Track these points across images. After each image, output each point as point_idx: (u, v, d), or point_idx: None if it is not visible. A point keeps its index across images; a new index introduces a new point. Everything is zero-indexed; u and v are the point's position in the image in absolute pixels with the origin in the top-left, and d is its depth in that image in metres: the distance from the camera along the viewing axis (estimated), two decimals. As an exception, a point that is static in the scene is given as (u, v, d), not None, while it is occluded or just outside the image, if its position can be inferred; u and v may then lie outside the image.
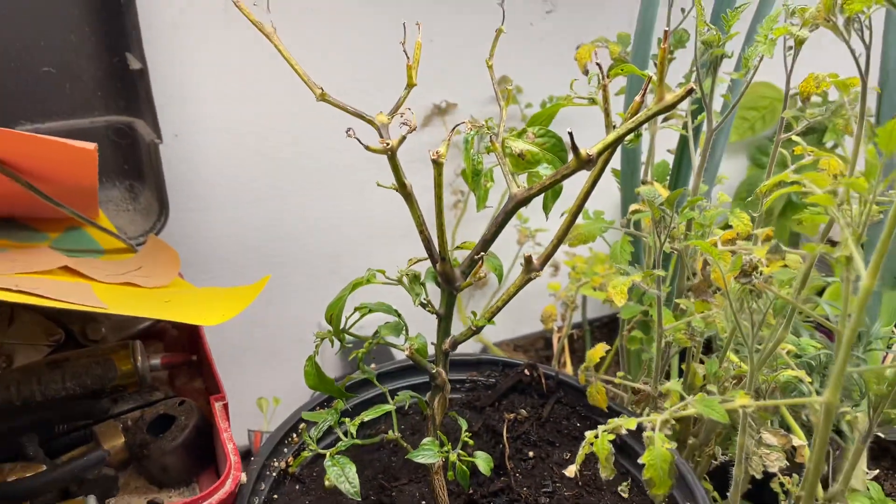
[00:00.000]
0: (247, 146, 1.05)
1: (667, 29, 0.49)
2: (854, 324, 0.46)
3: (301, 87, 1.04)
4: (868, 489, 0.92)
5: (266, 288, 1.16)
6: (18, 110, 0.90)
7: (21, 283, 0.59)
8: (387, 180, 0.55)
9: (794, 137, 0.68)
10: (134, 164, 0.96)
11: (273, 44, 0.58)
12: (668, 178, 0.75)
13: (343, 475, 0.54)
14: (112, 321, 0.85)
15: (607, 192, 0.89)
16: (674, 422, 0.78)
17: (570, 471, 0.55)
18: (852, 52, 0.54)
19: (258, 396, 1.17)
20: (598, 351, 0.69)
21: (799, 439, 0.69)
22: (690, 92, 0.49)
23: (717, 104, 0.79)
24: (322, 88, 0.59)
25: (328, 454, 0.56)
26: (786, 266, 0.54)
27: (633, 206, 0.68)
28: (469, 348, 1.31)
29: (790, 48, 0.62)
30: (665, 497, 0.50)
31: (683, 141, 0.74)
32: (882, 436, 1.04)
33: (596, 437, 0.51)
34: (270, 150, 1.06)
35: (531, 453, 0.73)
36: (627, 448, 0.70)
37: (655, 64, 0.55)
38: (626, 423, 0.50)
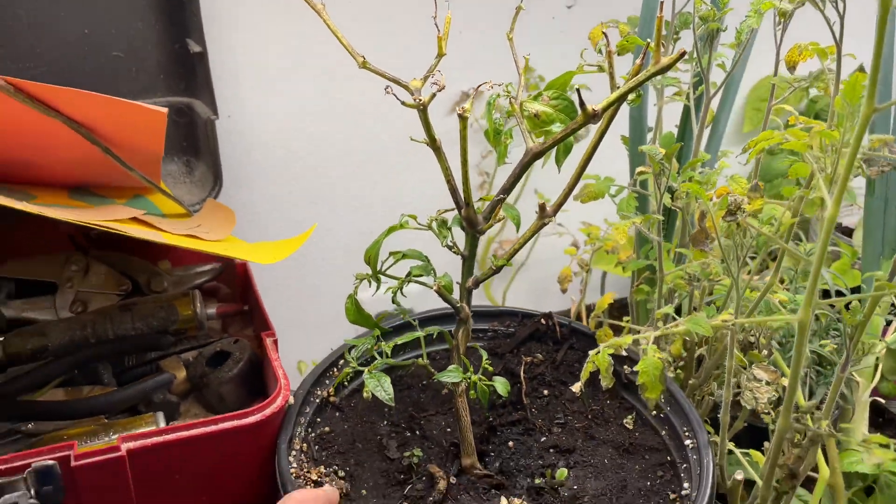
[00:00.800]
0: (294, 128, 1.14)
1: (662, 1, 0.57)
2: (821, 247, 0.53)
3: (345, 75, 1.14)
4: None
5: (305, 260, 1.26)
6: (90, 90, 1.00)
7: (103, 223, 0.69)
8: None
9: (787, 107, 0.75)
10: (191, 142, 1.06)
11: (322, 18, 0.67)
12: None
13: (379, 385, 0.63)
14: (173, 277, 0.95)
15: (619, 170, 0.96)
16: (679, 370, 0.85)
17: (576, 387, 0.63)
18: (827, 21, 0.62)
19: (297, 361, 1.26)
20: (607, 298, 0.77)
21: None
22: (682, 55, 0.58)
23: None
24: (364, 57, 0.68)
25: (367, 370, 0.65)
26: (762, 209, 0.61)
27: (639, 168, 0.76)
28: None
29: (779, 23, 0.70)
30: (657, 400, 0.58)
31: (686, 112, 0.81)
32: (881, 401, 1.10)
33: (597, 353, 0.59)
34: (315, 133, 1.16)
35: (546, 392, 0.81)
36: (632, 386, 0.78)
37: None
38: (624, 340, 0.58)
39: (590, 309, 1.26)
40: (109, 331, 0.82)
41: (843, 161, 0.59)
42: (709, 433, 0.83)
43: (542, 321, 0.86)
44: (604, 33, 0.62)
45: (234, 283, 0.98)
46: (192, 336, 0.88)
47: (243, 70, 1.08)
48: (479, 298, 1.37)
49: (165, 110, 0.76)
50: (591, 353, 0.61)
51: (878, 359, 1.04)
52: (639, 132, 0.85)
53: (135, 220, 0.80)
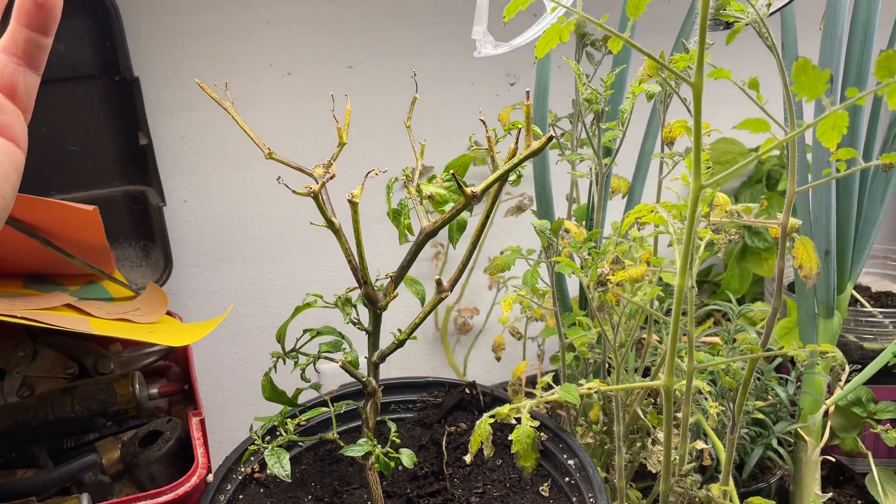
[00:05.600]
0: (242, 211, 1.20)
1: (528, 90, 0.62)
2: (674, 317, 0.56)
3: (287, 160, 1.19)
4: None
5: (254, 338, 1.28)
6: (52, 183, 1.07)
7: (27, 314, 0.73)
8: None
9: (680, 178, 0.79)
10: (146, 227, 1.12)
11: (230, 114, 0.73)
12: (586, 218, 0.86)
13: (277, 461, 0.66)
14: (121, 358, 0.99)
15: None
16: (603, 434, 0.86)
17: (468, 458, 0.65)
18: (683, 101, 0.66)
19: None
20: (521, 367, 0.79)
21: (702, 443, 0.77)
22: (550, 139, 0.62)
23: (631, 150, 0.91)
24: (269, 149, 0.73)
25: (270, 447, 0.68)
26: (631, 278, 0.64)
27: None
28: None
29: (661, 101, 0.74)
30: (532, 469, 0.60)
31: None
32: (832, 460, 1.10)
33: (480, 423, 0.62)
34: (265, 214, 1.21)
35: (468, 460, 0.82)
36: (549, 453, 0.79)
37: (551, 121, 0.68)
38: (500, 411, 0.61)
39: (545, 373, 1.27)
40: (49, 414, 0.86)
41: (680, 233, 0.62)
42: (636, 497, 0.83)
43: (467, 391, 0.88)
44: (482, 121, 0.67)
45: (178, 361, 1.02)
46: (134, 415, 0.92)
47: (196, 158, 1.14)
48: (444, 366, 1.40)
49: (94, 208, 0.81)
50: (477, 423, 0.63)
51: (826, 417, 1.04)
52: (544, 205, 0.89)
53: (69, 306, 0.84)
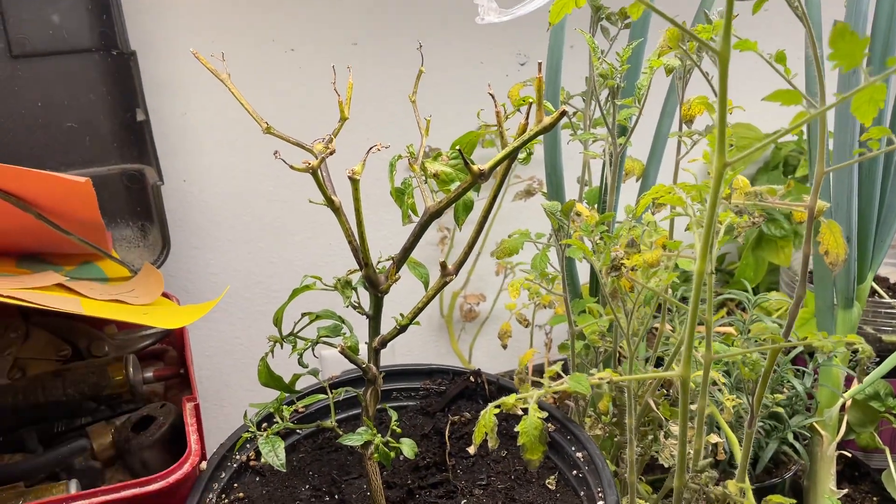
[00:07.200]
0: (244, 191, 1.17)
1: (540, 62, 0.58)
2: (693, 303, 0.52)
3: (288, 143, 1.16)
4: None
5: (255, 322, 1.25)
6: (47, 160, 1.04)
7: (13, 293, 0.70)
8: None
9: (699, 159, 0.75)
10: (144, 207, 1.09)
11: (227, 87, 0.69)
12: (598, 201, 0.83)
13: (272, 450, 0.63)
14: (116, 341, 0.96)
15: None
16: (613, 426, 0.83)
17: (471, 449, 0.62)
18: (705, 75, 0.62)
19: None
20: (528, 355, 0.76)
21: (716, 437, 0.74)
22: (563, 114, 0.58)
23: (646, 131, 0.87)
24: (267, 123, 0.69)
25: (265, 434, 0.65)
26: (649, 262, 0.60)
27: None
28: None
29: (680, 78, 0.70)
30: (539, 462, 0.57)
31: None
32: (848, 455, 1.07)
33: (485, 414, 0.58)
34: (267, 193, 1.18)
35: (472, 451, 0.79)
36: (556, 445, 0.76)
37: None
38: (507, 400, 0.57)
39: (552, 363, 1.24)
40: (40, 396, 0.83)
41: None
42: (646, 491, 0.80)
43: (472, 379, 0.85)
44: (491, 94, 0.63)
45: (174, 344, 0.99)
46: (128, 400, 0.89)
47: (195, 138, 1.11)
48: (449, 354, 1.37)
49: (87, 179, 0.78)
50: (482, 413, 0.60)
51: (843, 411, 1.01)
52: (554, 187, 0.86)
53: (60, 286, 0.81)
